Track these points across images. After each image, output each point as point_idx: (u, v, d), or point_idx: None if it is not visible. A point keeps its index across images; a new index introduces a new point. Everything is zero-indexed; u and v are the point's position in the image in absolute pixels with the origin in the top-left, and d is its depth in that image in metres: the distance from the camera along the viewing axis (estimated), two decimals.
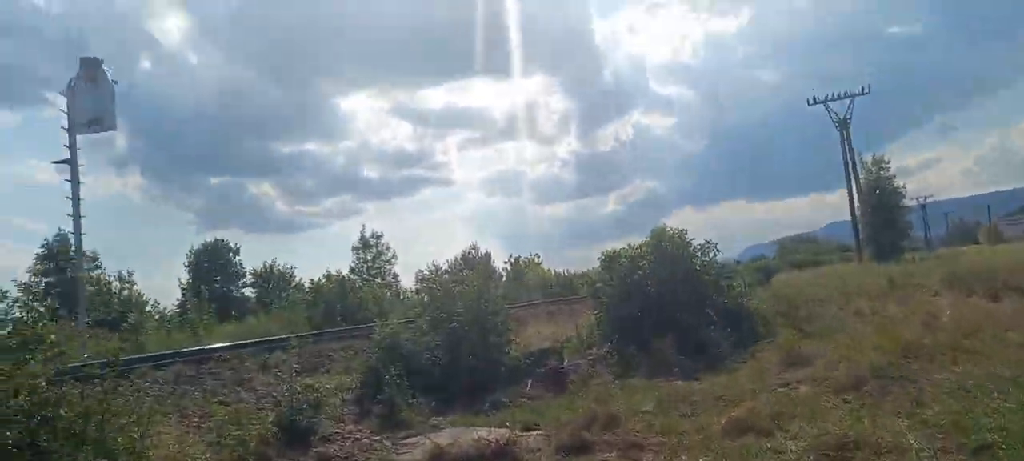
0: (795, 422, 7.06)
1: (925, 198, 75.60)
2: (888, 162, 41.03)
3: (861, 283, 22.18)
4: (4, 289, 5.59)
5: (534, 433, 8.46)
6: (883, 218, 40.13)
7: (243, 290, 44.50)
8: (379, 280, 44.05)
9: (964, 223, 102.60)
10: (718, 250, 16.98)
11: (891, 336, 10.41)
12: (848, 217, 49.26)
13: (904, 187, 41.26)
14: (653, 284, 15.61)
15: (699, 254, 16.47)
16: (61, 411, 5.25)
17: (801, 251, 68.30)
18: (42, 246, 32.99)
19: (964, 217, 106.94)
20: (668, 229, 17.03)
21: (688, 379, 11.72)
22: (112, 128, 19.58)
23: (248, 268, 45.52)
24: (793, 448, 6.06)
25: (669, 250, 16.13)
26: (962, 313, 12.83)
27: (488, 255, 48.61)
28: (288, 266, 44.45)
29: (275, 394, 10.00)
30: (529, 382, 12.68)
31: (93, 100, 18.50)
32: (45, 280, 31.87)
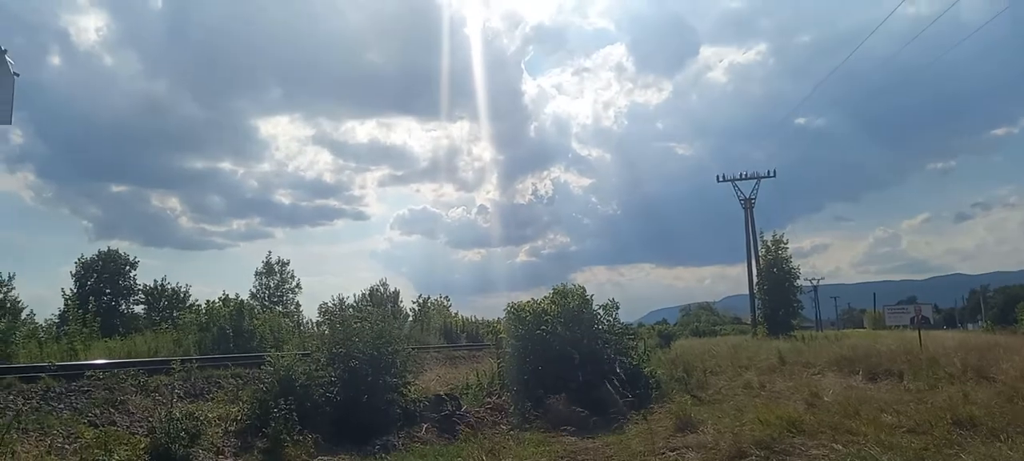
0: None
1: (817, 280, 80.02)
2: (787, 242, 43.15)
3: (753, 356, 23.06)
4: None
5: None
6: (778, 295, 42.01)
7: (133, 306, 42.15)
8: (280, 308, 42.63)
9: (851, 309, 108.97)
10: (617, 308, 17.31)
11: (777, 411, 10.79)
12: (746, 290, 51.53)
13: (798, 268, 43.41)
14: (556, 340, 15.74)
15: (601, 313, 16.75)
16: None
17: (701, 319, 70.75)
18: None
19: (851, 302, 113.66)
20: (573, 286, 17.30)
21: (582, 436, 11.80)
22: (7, 122, 18.33)
23: (141, 283, 43.29)
24: None
25: (573, 307, 16.34)
26: (843, 393, 13.46)
27: (396, 293, 47.90)
28: (182, 285, 42.51)
29: (151, 419, 9.42)
30: (424, 426, 12.46)
31: None
32: None
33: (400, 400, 12.99)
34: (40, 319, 21.14)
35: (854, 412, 11.09)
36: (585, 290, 17.02)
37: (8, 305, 27.07)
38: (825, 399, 12.72)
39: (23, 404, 9.56)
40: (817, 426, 10.07)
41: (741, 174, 53.93)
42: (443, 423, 12.74)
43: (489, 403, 15.65)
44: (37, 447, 7.90)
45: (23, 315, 22.40)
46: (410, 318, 39.10)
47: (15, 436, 7.34)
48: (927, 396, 12.76)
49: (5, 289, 28.63)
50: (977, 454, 8.12)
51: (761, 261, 45.36)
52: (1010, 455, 8.02)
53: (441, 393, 15.45)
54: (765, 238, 45.12)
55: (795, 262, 43.27)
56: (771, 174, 53.69)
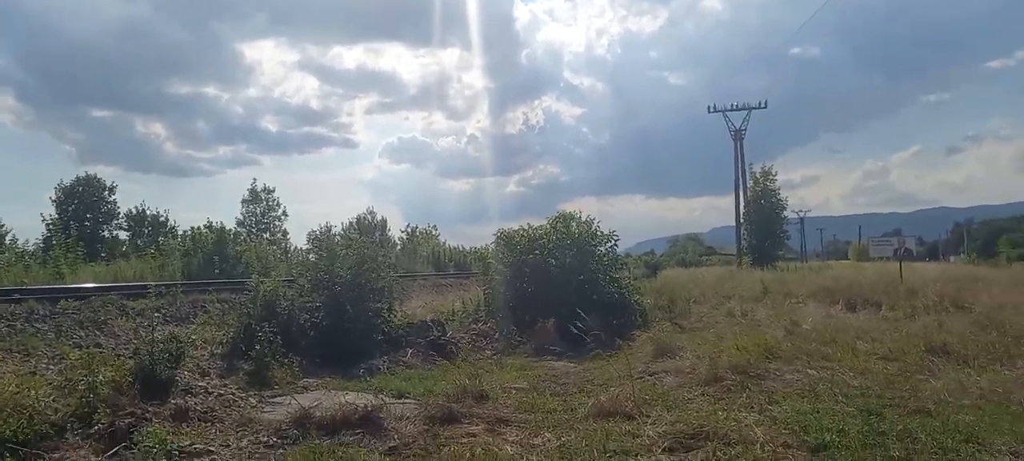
0: (656, 409, 7.34)
1: (804, 212, 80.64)
2: (775, 174, 43.25)
3: (737, 286, 23.37)
4: None
5: (405, 401, 8.41)
6: (764, 227, 42.36)
7: (116, 232, 42.00)
8: (267, 235, 42.63)
9: (837, 240, 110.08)
10: (617, 239, 17.43)
11: (755, 338, 10.98)
12: (734, 222, 51.87)
13: (786, 200, 43.64)
14: (550, 267, 15.84)
15: (601, 244, 16.84)
16: None
17: (689, 250, 71.29)
18: None
19: (837, 234, 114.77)
20: (576, 214, 17.30)
21: (566, 361, 12.00)
22: None
23: (124, 208, 43.04)
24: (650, 433, 6.28)
25: (576, 235, 16.40)
26: (822, 322, 13.71)
27: (384, 221, 47.99)
28: (163, 210, 42.31)
29: (136, 342, 9.47)
30: (409, 352, 12.61)
31: None
32: None
33: (385, 325, 13.11)
34: (25, 242, 21.09)
35: (831, 339, 11.33)
36: (593, 219, 17.07)
37: None
38: (804, 327, 12.97)
39: (6, 326, 9.58)
40: (793, 352, 10.28)
41: (732, 105, 53.67)
42: (428, 348, 12.90)
43: (475, 329, 15.83)
44: (20, 367, 7.94)
45: (7, 239, 22.29)
46: (398, 247, 39.22)
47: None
48: (903, 325, 13.03)
49: None
50: (946, 379, 8.34)
51: (749, 193, 45.54)
52: (977, 380, 8.24)
53: (427, 319, 15.61)
54: (754, 170, 45.23)
55: (784, 194, 43.52)
56: (762, 105, 53.46)
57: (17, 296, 11.02)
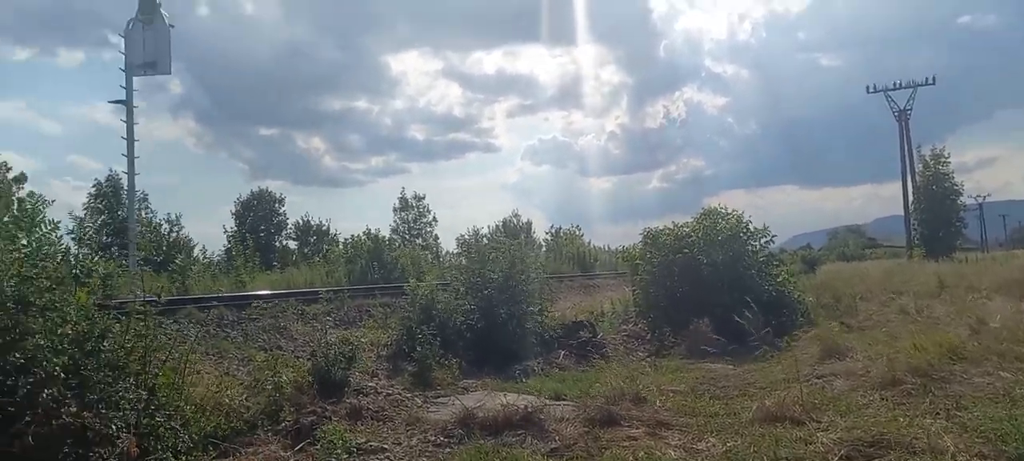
0: (827, 415, 6.95)
1: (983, 197, 73.04)
2: (948, 157, 39.59)
3: (909, 280, 21.61)
4: (57, 221, 5.71)
5: (562, 403, 8.49)
6: (938, 215, 38.90)
7: (286, 241, 45.45)
8: (420, 241, 44.48)
9: (1022, 226, 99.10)
10: (773, 238, 16.73)
11: (935, 337, 10.11)
12: (900, 211, 48.06)
13: (961, 185, 39.82)
14: (700, 265, 15.43)
15: (753, 240, 16.19)
16: (103, 343, 5.42)
17: (850, 243, 66.93)
18: (94, 185, 34.11)
19: (1023, 220, 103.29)
20: (723, 209, 16.77)
21: (724, 363, 11.64)
22: (167, 72, 19.86)
23: (292, 219, 46.49)
24: (824, 440, 5.95)
25: (723, 231, 15.89)
26: (1012, 318, 12.38)
27: (529, 224, 48.72)
28: (325, 220, 45.30)
29: (311, 344, 10.21)
30: (561, 353, 12.72)
31: (149, 42, 18.79)
32: (99, 218, 33.00)
33: (537, 327, 13.28)
34: (211, 253, 23.32)
35: None
36: (743, 214, 16.48)
37: (181, 243, 30.00)
38: (991, 325, 11.75)
39: (201, 331, 10.63)
40: (981, 353, 9.35)
41: (895, 84, 49.67)
42: (580, 349, 12.94)
43: (625, 330, 15.73)
44: (216, 368, 8.79)
45: (195, 251, 24.71)
46: (544, 248, 39.63)
47: (198, 358, 8.19)
48: None
49: (177, 228, 31.72)
50: None
51: (919, 178, 41.98)
52: None
53: (576, 320, 15.67)
54: (923, 153, 41.59)
55: (959, 178, 39.73)
56: (930, 81, 49.07)
57: (209, 304, 12.19)
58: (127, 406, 5.22)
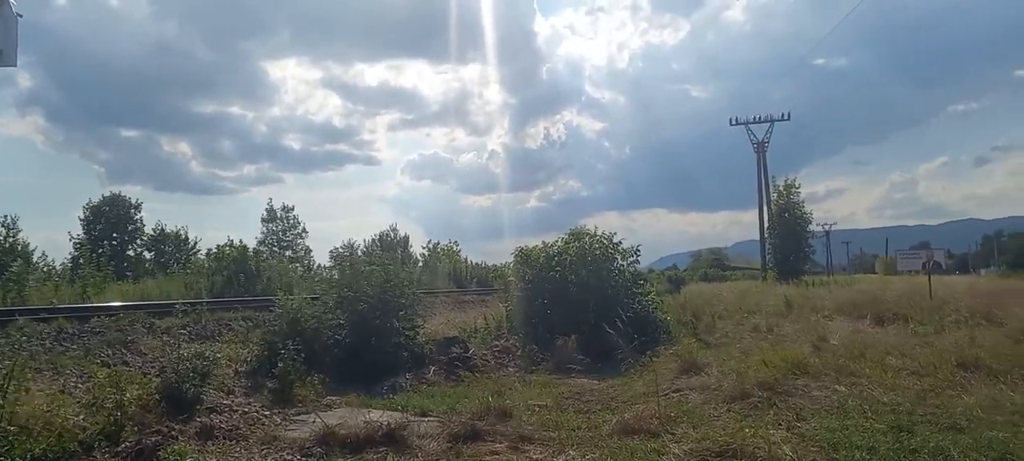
0: (681, 426, 7.26)
1: (829, 225, 79.66)
2: (799, 187, 42.80)
3: (761, 301, 23.08)
4: None
5: (428, 419, 8.40)
6: (789, 241, 41.84)
7: (141, 251, 42.55)
8: (289, 253, 42.99)
9: (863, 253, 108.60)
10: (638, 254, 17.33)
11: (782, 353, 10.83)
12: (757, 236, 51.38)
13: (811, 213, 43.11)
14: (570, 284, 15.77)
15: (619, 258, 16.73)
16: None
17: (711, 265, 70.71)
18: None
19: (864, 248, 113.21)
20: (593, 230, 17.24)
21: (589, 378, 11.92)
22: (12, 63, 18.18)
23: (148, 227, 43.63)
24: (676, 451, 6.21)
25: (593, 251, 16.32)
26: (850, 337, 13.49)
27: (406, 238, 48.19)
28: (182, 228, 42.82)
29: (162, 360, 9.57)
30: (432, 369, 12.60)
31: None
32: None
33: (408, 343, 13.11)
34: (53, 261, 21.44)
35: (859, 355, 11.14)
36: (612, 235, 16.98)
37: (18, 248, 27.33)
38: (831, 342, 12.75)
39: (37, 344, 9.71)
40: (821, 368, 10.12)
41: (755, 117, 53.30)
42: (451, 365, 12.88)
43: (497, 346, 15.80)
44: (50, 386, 8.05)
45: (35, 258, 22.65)
46: (420, 263, 39.30)
47: (29, 375, 7.47)
48: (933, 340, 12.76)
49: (12, 233, 28.88)
50: (978, 395, 8.15)
51: (773, 206, 45.09)
52: (1011, 396, 8.04)
53: (449, 336, 15.60)
54: (777, 183, 44.77)
55: (808, 207, 42.96)
56: (785, 117, 53.02)
57: (46, 315, 11.18)
58: None
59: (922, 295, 19.09)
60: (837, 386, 9.07)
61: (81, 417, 6.90)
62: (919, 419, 7.19)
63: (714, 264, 72.38)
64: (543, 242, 17.37)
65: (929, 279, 20.95)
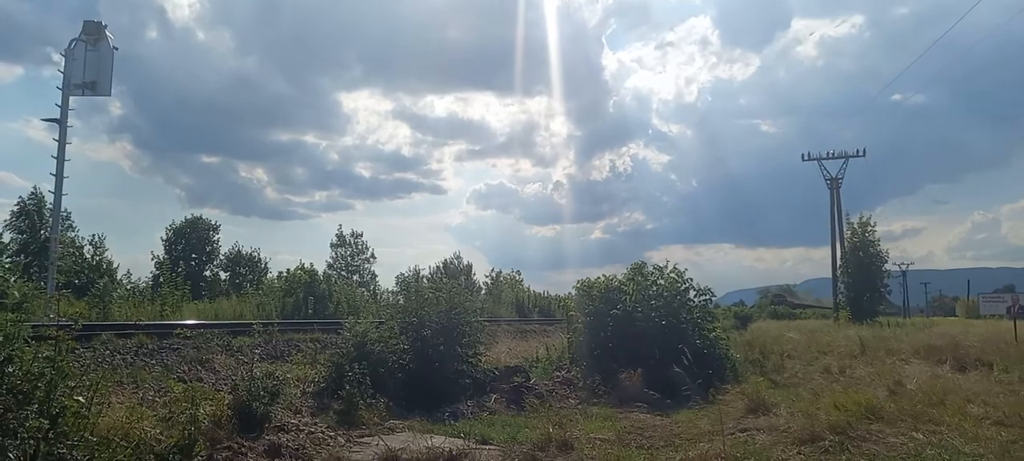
0: None
1: (907, 265, 76.44)
2: (874, 225, 41.35)
3: (833, 341, 22.30)
4: None
5: (489, 447, 8.40)
6: (863, 280, 40.38)
7: (217, 272, 44.15)
8: (356, 278, 43.89)
9: (943, 296, 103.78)
10: (713, 296, 17.05)
11: (855, 396, 10.43)
12: (828, 274, 49.76)
13: (887, 252, 41.54)
14: (635, 318, 15.60)
15: (693, 296, 16.47)
16: (8, 367, 5.14)
17: (772, 301, 68.69)
18: (17, 203, 32.68)
19: (943, 289, 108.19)
20: (655, 265, 17.04)
21: (652, 414, 11.73)
22: (106, 93, 19.39)
23: (225, 249, 45.30)
24: None
25: (659, 285, 16.14)
26: (928, 382, 12.89)
27: (470, 266, 48.71)
28: (255, 250, 44.21)
29: (234, 377, 9.89)
30: (494, 397, 12.63)
31: (91, 63, 18.34)
32: (19, 237, 31.54)
33: (470, 370, 13.19)
34: (137, 279, 22.47)
35: (938, 401, 10.62)
36: (683, 270, 16.75)
37: (104, 266, 28.79)
38: (908, 387, 12.21)
39: (119, 359, 10.18)
40: (897, 414, 9.69)
41: (828, 153, 51.99)
42: (512, 394, 12.87)
43: (558, 377, 15.72)
44: (130, 398, 8.42)
45: (119, 276, 23.78)
46: (483, 291, 39.57)
47: (111, 387, 7.83)
48: (1019, 388, 12.10)
49: (99, 251, 30.48)
50: None
51: (846, 244, 43.64)
52: None
53: (511, 365, 15.62)
54: (851, 220, 43.35)
55: (884, 245, 41.43)
56: (860, 153, 51.50)
57: (128, 331, 11.71)
58: (25, 434, 4.95)
59: (1007, 340, 18.14)
60: (914, 433, 8.67)
61: (157, 430, 7.17)
62: None
63: (776, 301, 70.26)
64: (604, 274, 17.27)
65: (1015, 323, 19.86)
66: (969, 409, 10.12)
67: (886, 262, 42.11)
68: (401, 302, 15.25)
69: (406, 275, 35.75)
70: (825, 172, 51.45)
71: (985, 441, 8.26)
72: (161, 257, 39.93)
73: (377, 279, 45.96)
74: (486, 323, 16.91)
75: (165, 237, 44.81)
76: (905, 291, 76.91)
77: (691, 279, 16.61)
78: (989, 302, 27.77)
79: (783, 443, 8.28)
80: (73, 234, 30.88)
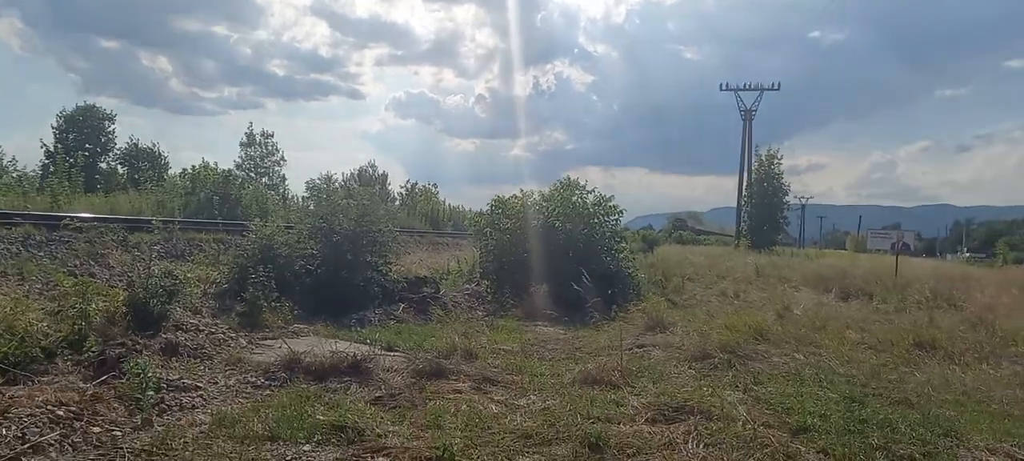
0: (642, 381, 7.40)
1: (806, 199, 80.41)
2: (780, 158, 43.10)
3: (732, 267, 23.41)
4: None
5: (394, 354, 8.47)
6: (765, 210, 42.31)
7: (114, 165, 41.82)
8: (265, 180, 42.58)
9: (836, 230, 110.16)
10: (621, 213, 17.35)
11: (746, 319, 11.04)
12: (735, 203, 51.79)
13: (788, 185, 43.52)
14: (551, 234, 15.75)
15: (608, 217, 16.71)
16: None
17: (682, 228, 71.21)
18: None
19: (837, 223, 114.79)
20: (581, 183, 17.14)
21: (557, 327, 12.08)
22: None
23: (122, 142, 42.82)
24: (635, 403, 6.34)
25: (586, 205, 16.29)
26: (814, 308, 13.77)
27: (385, 175, 48.04)
28: (155, 144, 42.04)
29: (130, 274, 9.51)
30: (402, 306, 12.67)
31: None
32: None
33: (379, 279, 13.16)
34: (24, 167, 21.03)
35: (821, 326, 11.40)
36: (607, 195, 16.90)
37: None
38: (795, 312, 13.02)
39: (2, 249, 9.60)
40: (783, 336, 10.35)
41: (745, 85, 53.25)
42: (420, 304, 12.95)
43: (468, 289, 15.91)
44: (15, 291, 7.98)
45: (4, 162, 22.19)
46: (397, 202, 39.21)
47: None
48: (894, 318, 13.09)
49: None
50: (931, 373, 8.39)
51: (753, 175, 45.39)
52: (962, 376, 8.30)
53: (421, 276, 15.67)
54: (760, 153, 45.02)
55: (787, 179, 43.36)
56: (775, 87, 53.01)
57: (16, 221, 11.02)
58: None
59: (888, 274, 19.48)
60: (796, 354, 9.29)
61: (45, 324, 6.86)
62: (872, 392, 7.39)
63: (676, 225, 72.75)
64: (521, 190, 17.34)
65: (896, 259, 21.34)
66: (847, 334, 10.91)
67: (787, 195, 44.22)
68: (311, 207, 14.90)
69: (317, 181, 34.94)
70: (740, 103, 52.84)
71: (858, 363, 8.95)
72: (52, 146, 37.36)
73: (287, 183, 44.72)
74: (398, 233, 16.80)
75: (56, 125, 41.97)
76: (802, 224, 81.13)
77: (611, 199, 16.88)
78: (876, 238, 29.62)
79: (676, 359, 8.70)
80: None
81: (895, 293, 16.30)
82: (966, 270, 24.22)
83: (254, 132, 46.49)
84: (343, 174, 41.31)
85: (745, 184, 48.40)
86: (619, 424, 5.78)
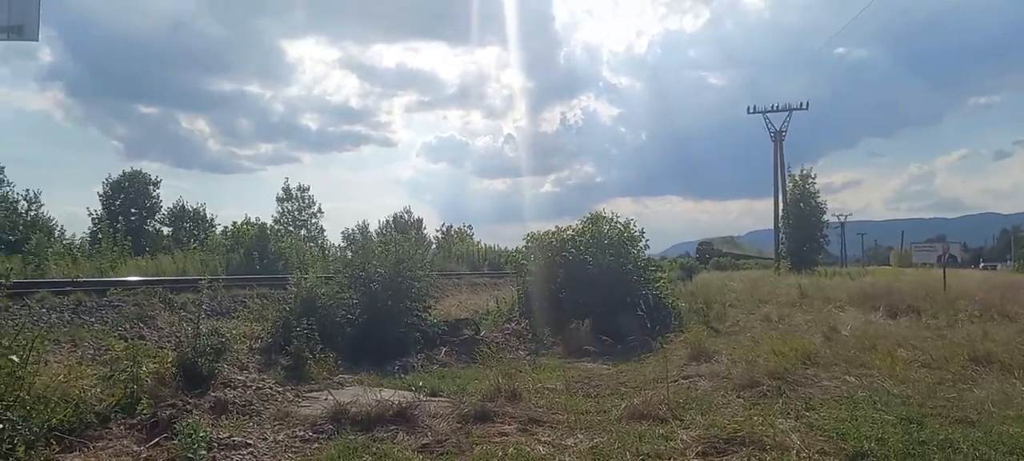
0: (690, 413, 7.30)
1: (844, 216, 79.03)
2: (814, 177, 42.56)
3: (774, 290, 23.04)
4: None
5: (438, 399, 8.48)
6: (803, 231, 41.66)
7: (159, 227, 42.99)
8: (304, 232, 43.31)
9: (878, 246, 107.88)
10: (648, 242, 17.34)
11: (792, 343, 10.84)
12: (771, 225, 51.14)
13: (825, 203, 42.88)
14: (584, 267, 15.77)
15: (631, 246, 16.72)
16: None
17: (724, 254, 70.44)
18: None
19: (878, 239, 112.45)
20: (610, 215, 17.24)
21: (600, 363, 11.98)
22: (34, 38, 18.39)
23: (166, 204, 44.08)
24: (684, 437, 6.25)
25: (610, 235, 16.33)
26: (862, 328, 13.47)
27: (420, 220, 48.53)
28: (201, 204, 43.15)
29: (178, 334, 9.71)
30: (443, 350, 12.70)
31: (15, 4, 17.33)
32: None
33: (420, 323, 13.21)
34: (73, 235, 21.69)
35: (870, 346, 11.13)
36: (630, 221, 17.00)
37: (39, 222, 27.71)
38: (842, 333, 12.76)
39: (55, 317, 9.89)
40: (832, 359, 10.13)
41: (773, 106, 52.94)
42: (462, 347, 12.97)
43: (508, 329, 15.88)
44: (68, 358, 8.20)
45: (56, 233, 22.93)
46: (433, 245, 39.49)
47: (48, 347, 7.61)
48: (946, 333, 12.72)
49: (34, 207, 29.31)
50: (990, 389, 8.13)
51: (788, 196, 44.84)
52: (1022, 390, 8.02)
53: (461, 318, 15.70)
54: (793, 173, 44.53)
55: (823, 198, 42.75)
56: (804, 106, 52.60)
57: (66, 288, 11.36)
58: None
59: (936, 288, 18.99)
60: (847, 377, 9.08)
61: (98, 389, 7.02)
62: (929, 412, 7.18)
63: (701, 249, 71.98)
64: (556, 226, 17.42)
65: (944, 272, 20.81)
66: (899, 353, 10.63)
67: (825, 213, 43.55)
68: (349, 256, 15.09)
69: (353, 230, 35.43)
70: (769, 125, 52.53)
71: (913, 383, 8.71)
72: (98, 212, 38.54)
73: (325, 234, 45.46)
74: (436, 277, 16.90)
75: (102, 191, 43.36)
76: (843, 242, 79.69)
77: (636, 226, 16.89)
78: (921, 251, 29.03)
79: (724, 389, 8.57)
80: (6, 189, 29.59)
81: (945, 307, 15.86)
82: (1017, 279, 23.50)
83: (290, 186, 47.50)
84: (379, 221, 41.85)
85: (781, 205, 47.81)
86: (669, 459, 5.71)
